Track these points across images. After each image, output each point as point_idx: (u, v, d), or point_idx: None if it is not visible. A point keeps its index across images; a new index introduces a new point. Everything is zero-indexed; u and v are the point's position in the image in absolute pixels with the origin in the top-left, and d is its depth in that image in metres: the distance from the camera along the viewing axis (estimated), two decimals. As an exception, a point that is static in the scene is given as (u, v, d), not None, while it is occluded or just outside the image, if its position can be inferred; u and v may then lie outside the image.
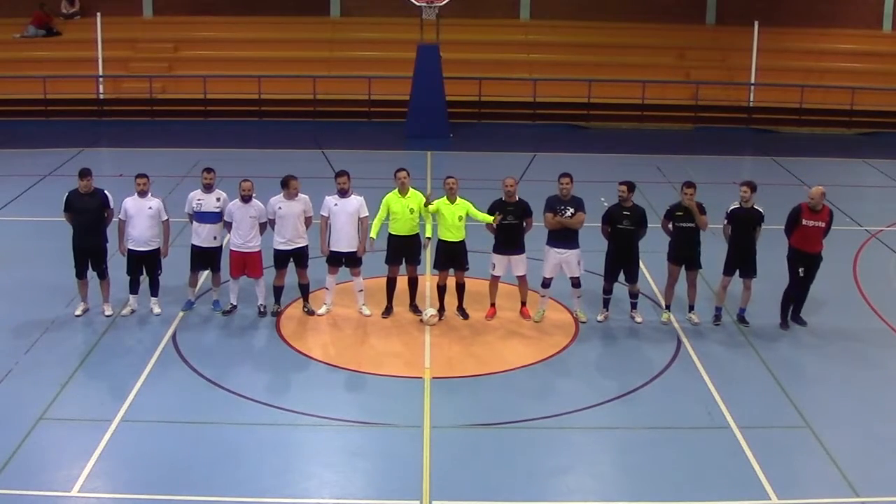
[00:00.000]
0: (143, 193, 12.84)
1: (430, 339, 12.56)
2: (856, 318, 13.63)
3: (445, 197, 12.87)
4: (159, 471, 9.36)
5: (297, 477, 9.40)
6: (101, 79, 28.01)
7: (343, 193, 12.93)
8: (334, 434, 10.33)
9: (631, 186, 12.89)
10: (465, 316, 13.17)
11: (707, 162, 23.78)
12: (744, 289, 13.07)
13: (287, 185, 12.88)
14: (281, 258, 13.04)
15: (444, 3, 25.33)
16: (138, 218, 12.76)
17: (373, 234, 12.88)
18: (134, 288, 13.10)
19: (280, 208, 12.85)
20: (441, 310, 13.13)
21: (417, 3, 25.45)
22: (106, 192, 12.99)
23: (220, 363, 11.76)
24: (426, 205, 12.86)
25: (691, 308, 13.24)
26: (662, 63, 29.66)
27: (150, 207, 12.83)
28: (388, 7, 29.01)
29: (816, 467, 9.71)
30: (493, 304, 13.30)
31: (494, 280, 13.19)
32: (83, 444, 9.73)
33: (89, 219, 12.76)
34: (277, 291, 13.19)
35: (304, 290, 13.28)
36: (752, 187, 12.79)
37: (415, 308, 13.30)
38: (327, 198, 12.97)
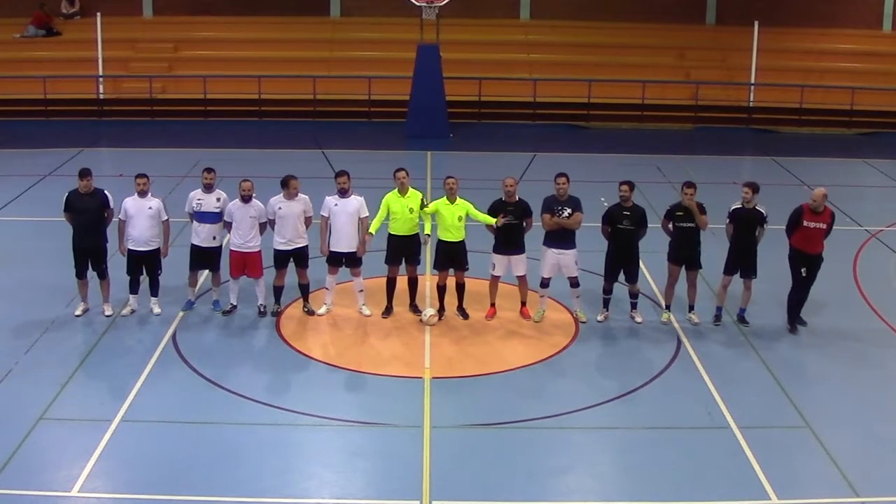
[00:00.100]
0: (143, 193, 12.84)
1: (430, 339, 12.56)
2: (856, 318, 13.63)
3: (445, 197, 12.87)
4: (159, 471, 9.36)
5: (297, 477, 9.40)
6: (101, 79, 28.01)
7: (343, 193, 12.93)
8: (334, 434, 10.33)
9: (632, 186, 12.91)
10: (465, 316, 13.17)
11: (707, 162, 23.78)
12: (744, 289, 13.07)
13: (287, 185, 12.88)
14: (281, 258, 13.04)
15: (444, 3, 25.33)
16: (138, 218, 12.76)
17: (372, 230, 12.86)
18: (134, 288, 13.10)
19: (280, 208, 12.85)
20: (441, 310, 13.13)
21: (417, 3, 25.45)
22: (106, 192, 12.99)
23: (220, 363, 11.76)
24: (422, 208, 12.86)
25: (691, 308, 13.24)
26: (662, 63, 29.66)
27: (150, 207, 12.83)
28: (388, 7, 29.01)
29: (816, 467, 9.71)
30: (493, 304, 13.30)
31: (494, 280, 13.19)
32: (83, 444, 9.73)
33: (89, 219, 12.76)
34: (277, 291, 13.19)
35: (304, 290, 13.28)
36: (754, 188, 12.78)
37: (415, 308, 13.30)
38: (327, 198, 12.97)
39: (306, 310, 13.27)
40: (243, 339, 12.58)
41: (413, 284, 13.32)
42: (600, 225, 13.06)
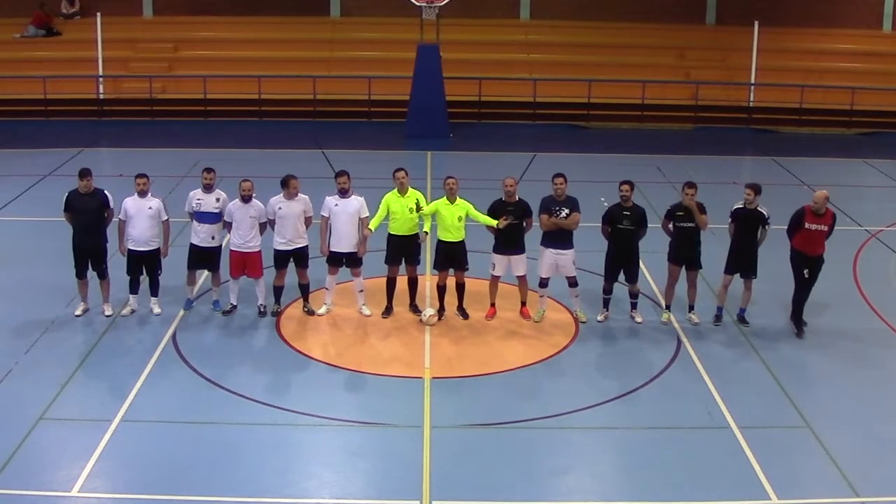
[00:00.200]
0: (143, 193, 12.84)
1: (430, 339, 12.55)
2: (856, 318, 13.63)
3: (445, 197, 12.87)
4: (159, 471, 9.36)
5: (297, 477, 9.40)
6: (101, 79, 28.00)
7: (343, 193, 12.93)
8: (334, 434, 10.33)
9: (632, 186, 12.91)
10: (465, 316, 13.17)
11: (707, 162, 23.78)
12: (744, 289, 13.07)
13: (287, 185, 12.88)
14: (281, 258, 13.04)
15: (444, 3, 25.32)
16: (138, 218, 12.76)
17: (371, 227, 12.85)
18: (134, 288, 13.10)
19: (280, 208, 12.85)
20: (441, 310, 13.13)
21: (417, 3, 25.44)
22: (106, 192, 12.99)
23: (220, 363, 11.76)
24: (417, 211, 12.82)
25: (691, 308, 13.24)
26: (662, 63, 29.65)
27: (150, 207, 12.83)
28: (388, 7, 29.01)
29: (816, 467, 9.71)
30: (493, 304, 13.29)
31: (494, 280, 13.19)
32: (83, 444, 9.73)
33: (89, 219, 12.76)
34: (277, 291, 13.19)
35: (304, 290, 13.28)
36: (756, 190, 12.76)
37: (415, 308, 13.30)
38: (328, 198, 12.97)
39: (306, 310, 13.27)
40: (243, 339, 12.58)
41: (413, 284, 13.32)
42: (600, 225, 13.06)
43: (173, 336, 12.44)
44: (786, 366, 11.99)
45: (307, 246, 13.08)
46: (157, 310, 13.09)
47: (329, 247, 12.99)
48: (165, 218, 13.00)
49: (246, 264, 13.03)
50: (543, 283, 13.07)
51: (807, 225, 12.64)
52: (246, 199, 12.84)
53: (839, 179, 21.55)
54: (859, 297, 14.41)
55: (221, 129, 26.82)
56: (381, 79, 27.64)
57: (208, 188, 13.03)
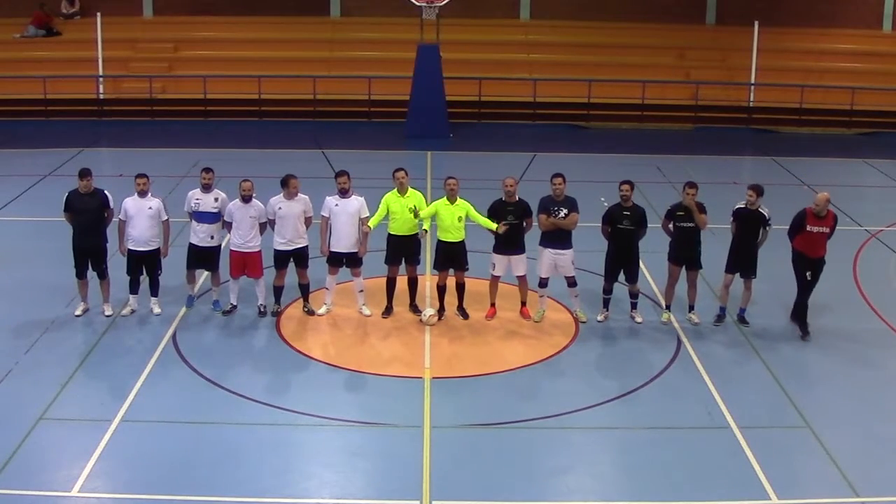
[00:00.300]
0: (143, 193, 12.84)
1: (430, 339, 12.56)
2: (856, 318, 13.63)
3: (445, 197, 12.87)
4: (159, 471, 9.36)
5: (297, 477, 9.40)
6: (101, 79, 28.00)
7: (343, 193, 12.93)
8: (334, 434, 10.33)
9: (632, 186, 12.91)
10: (465, 316, 13.17)
11: (707, 162, 23.79)
12: (744, 289, 13.07)
13: (287, 184, 12.88)
14: (281, 258, 13.04)
15: (444, 3, 25.32)
16: (138, 218, 12.76)
17: (371, 224, 12.83)
18: (134, 288, 13.10)
19: (280, 209, 12.85)
20: (441, 310, 13.13)
21: (417, 3, 25.44)
22: (106, 192, 12.99)
23: (220, 363, 11.76)
24: (415, 216, 12.81)
25: (691, 308, 13.24)
26: (662, 63, 29.65)
27: (150, 207, 12.83)
28: (388, 7, 29.01)
29: (816, 467, 9.71)
30: (493, 304, 13.29)
31: (494, 280, 13.19)
32: (83, 444, 9.73)
33: (89, 219, 12.76)
34: (277, 291, 13.19)
35: (305, 290, 13.28)
36: (758, 191, 12.76)
37: (415, 308, 13.30)
38: (328, 198, 12.97)
39: (306, 310, 13.27)
40: (243, 339, 12.59)
41: (413, 284, 13.32)
42: (600, 225, 13.06)
43: (173, 336, 12.44)
44: (786, 366, 11.99)
45: (307, 246, 13.08)
46: (157, 310, 13.09)
47: (329, 247, 12.99)
48: (165, 218, 13.00)
49: (246, 264, 13.03)
50: (543, 283, 13.07)
51: (808, 227, 12.63)
52: (246, 199, 12.84)
53: (839, 179, 21.55)
54: (859, 298, 14.41)
55: (221, 129, 26.82)
56: (381, 79, 27.63)
57: (207, 188, 13.03)
